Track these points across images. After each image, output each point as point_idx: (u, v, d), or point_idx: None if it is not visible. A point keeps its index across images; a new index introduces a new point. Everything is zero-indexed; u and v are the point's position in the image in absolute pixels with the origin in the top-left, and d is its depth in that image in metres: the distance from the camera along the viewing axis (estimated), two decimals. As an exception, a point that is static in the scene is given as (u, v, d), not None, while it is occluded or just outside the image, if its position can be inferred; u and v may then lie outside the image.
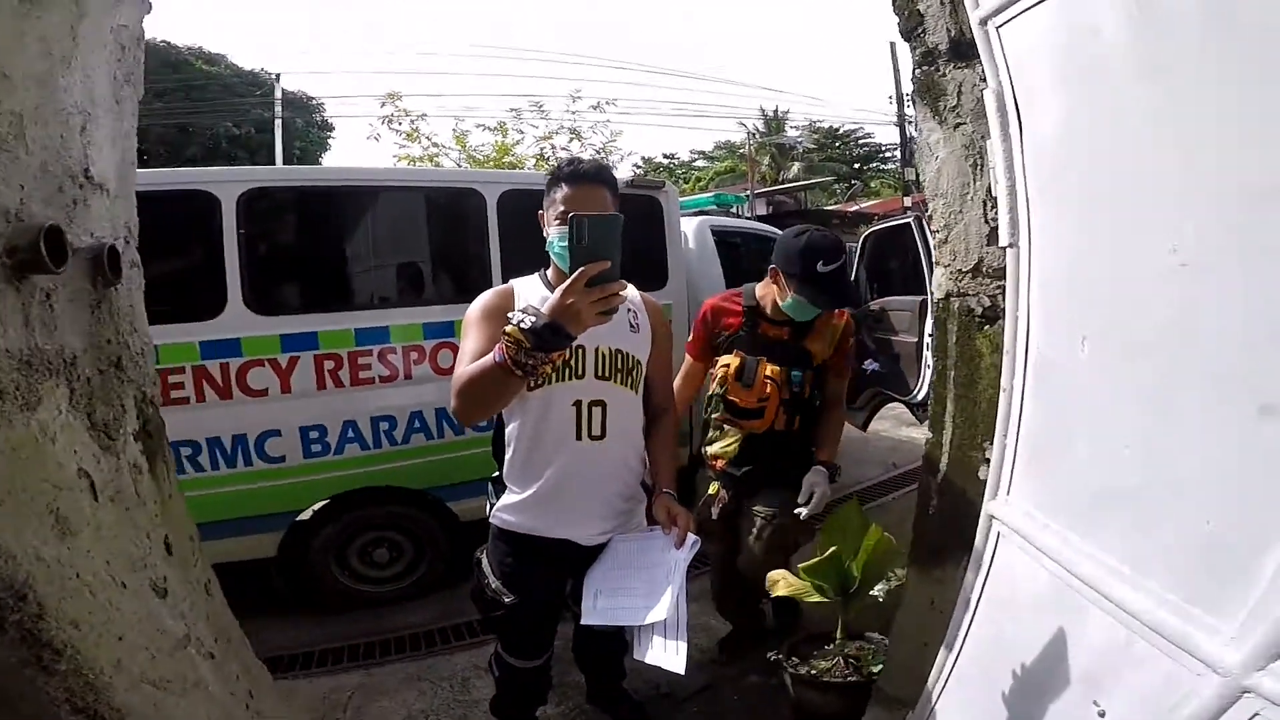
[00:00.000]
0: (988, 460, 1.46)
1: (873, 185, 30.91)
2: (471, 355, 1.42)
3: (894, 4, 1.62)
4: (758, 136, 26.78)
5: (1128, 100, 1.07)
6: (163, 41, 21.36)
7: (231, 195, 2.93)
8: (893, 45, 17.92)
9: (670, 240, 3.96)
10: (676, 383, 2.40)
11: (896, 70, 17.97)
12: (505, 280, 2.67)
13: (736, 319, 2.30)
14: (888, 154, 36.03)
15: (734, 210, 5.18)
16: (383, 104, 9.52)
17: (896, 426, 6.09)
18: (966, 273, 1.59)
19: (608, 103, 10.36)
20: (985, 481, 1.45)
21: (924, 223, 3.96)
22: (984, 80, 1.40)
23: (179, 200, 2.93)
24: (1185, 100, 0.96)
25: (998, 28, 1.31)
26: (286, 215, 3.21)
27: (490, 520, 1.65)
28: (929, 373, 3.76)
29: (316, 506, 3.18)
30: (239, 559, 3.05)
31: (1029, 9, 1.23)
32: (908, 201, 17.84)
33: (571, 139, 10.04)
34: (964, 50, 1.47)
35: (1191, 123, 0.95)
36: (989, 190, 1.47)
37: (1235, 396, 0.87)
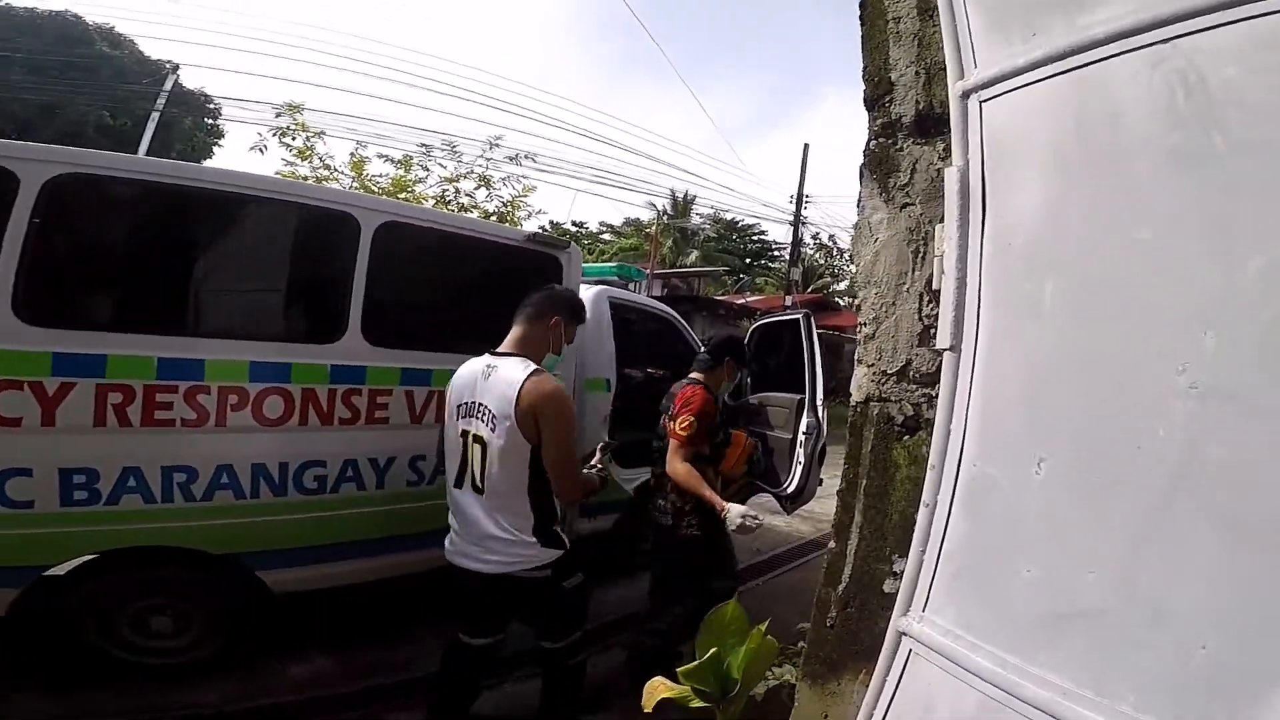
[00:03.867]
0: (895, 574, 1.39)
1: (758, 281, 32.66)
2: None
3: (864, 71, 1.51)
4: (665, 217, 27.70)
5: (1150, 196, 0.98)
6: (72, 15, 19.38)
7: (36, 177, 2.35)
8: (806, 146, 19.44)
9: (565, 305, 3.69)
10: (688, 474, 2.92)
11: (804, 170, 19.33)
12: (363, 325, 3.01)
13: (714, 408, 3.10)
14: (776, 252, 38.56)
15: (633, 285, 4.99)
16: (278, 114, 8.74)
17: (759, 513, 6.07)
18: (891, 375, 1.46)
19: (526, 156, 10.07)
20: (892, 595, 1.37)
21: (811, 321, 4.12)
22: (945, 158, 1.29)
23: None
24: (1232, 199, 0.88)
25: (982, 101, 1.20)
26: (105, 209, 2.60)
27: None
28: (799, 469, 3.89)
29: (75, 563, 2.53)
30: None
31: (1030, 84, 1.11)
32: (788, 300, 18.95)
33: (479, 185, 9.60)
34: (928, 126, 1.39)
35: (1236, 226, 0.88)
36: (929, 283, 1.35)
37: (1249, 534, 0.85)
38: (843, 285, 32.85)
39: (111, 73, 18.66)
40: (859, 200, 1.51)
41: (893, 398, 1.46)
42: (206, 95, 20.56)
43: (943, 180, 1.28)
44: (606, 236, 33.82)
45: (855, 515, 1.53)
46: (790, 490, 3.86)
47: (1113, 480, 1.01)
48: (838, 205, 24.31)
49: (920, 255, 1.39)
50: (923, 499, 1.27)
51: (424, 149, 9.58)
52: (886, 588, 1.42)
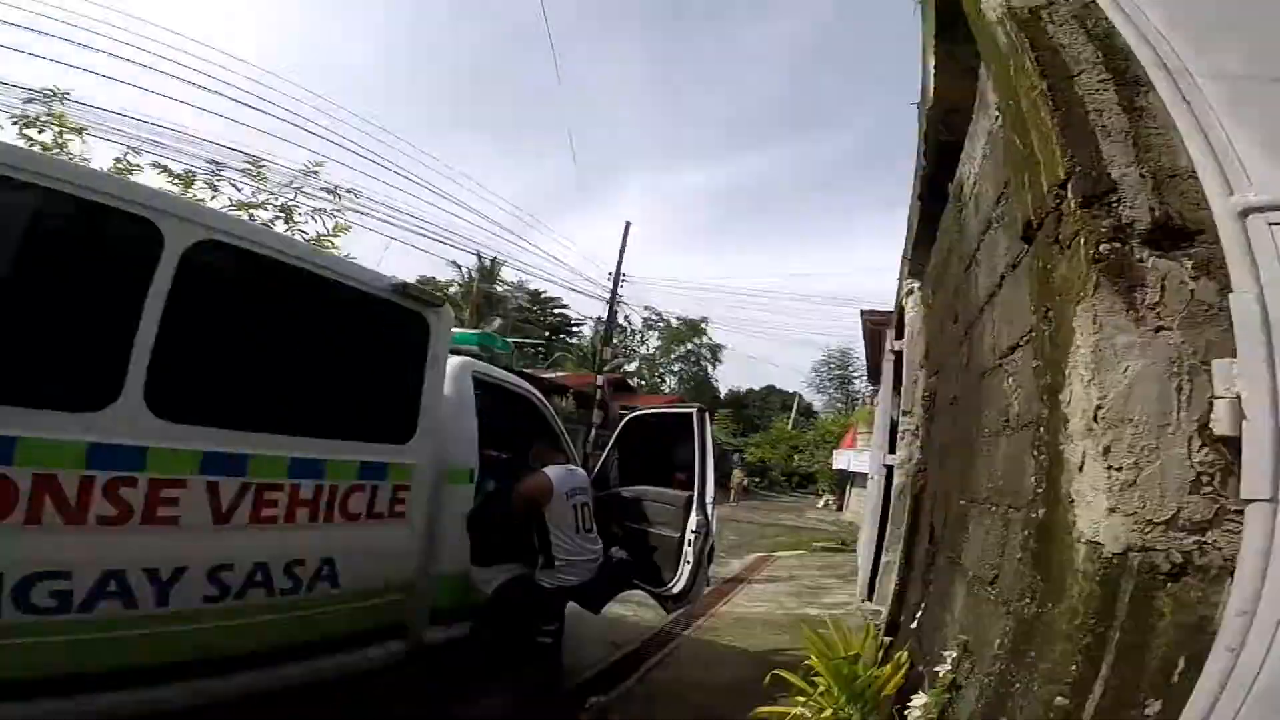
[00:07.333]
0: (1148, 717, 1.31)
1: (556, 356, 32.60)
2: None
3: (1066, 156, 1.37)
4: (473, 279, 26.57)
5: None
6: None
7: None
8: (627, 224, 19.59)
9: (431, 381, 2.96)
10: None
11: (623, 249, 19.38)
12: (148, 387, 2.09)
13: None
14: (574, 327, 38.96)
15: (497, 359, 4.27)
16: (29, 100, 6.35)
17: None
18: (1158, 524, 1.34)
19: (348, 191, 8.53)
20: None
21: (706, 418, 4.12)
22: (1196, 277, 1.23)
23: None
24: None
25: (1272, 224, 1.15)
26: None
27: None
28: (687, 568, 3.84)
29: None
30: None
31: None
32: (599, 379, 18.94)
33: (279, 216, 7.88)
34: (1170, 238, 1.28)
35: None
36: (1202, 427, 1.26)
37: None
38: (632, 366, 34.07)
39: None
40: (1095, 316, 1.27)
41: (1158, 546, 1.35)
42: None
43: (1202, 303, 1.22)
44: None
45: (1103, 669, 1.40)
46: (677, 590, 3.83)
47: None
48: (643, 288, 25.52)
49: (1185, 393, 1.27)
50: (1223, 644, 1.22)
51: (214, 165, 7.70)
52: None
